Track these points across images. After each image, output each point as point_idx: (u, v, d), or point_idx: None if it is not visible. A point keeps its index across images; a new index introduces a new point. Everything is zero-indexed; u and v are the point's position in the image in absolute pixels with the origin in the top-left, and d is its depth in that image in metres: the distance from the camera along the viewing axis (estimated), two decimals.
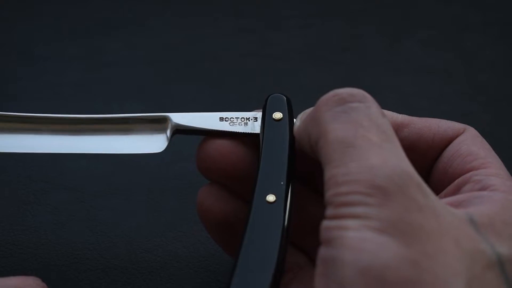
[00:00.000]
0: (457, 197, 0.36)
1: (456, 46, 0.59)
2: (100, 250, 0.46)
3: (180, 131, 0.41)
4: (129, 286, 0.45)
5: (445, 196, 0.37)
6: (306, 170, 0.39)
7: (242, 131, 0.41)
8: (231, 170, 0.40)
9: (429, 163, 0.39)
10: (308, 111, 0.38)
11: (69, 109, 0.54)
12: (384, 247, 0.30)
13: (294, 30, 0.60)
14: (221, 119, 0.41)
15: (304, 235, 0.39)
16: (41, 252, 0.46)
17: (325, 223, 0.32)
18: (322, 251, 0.32)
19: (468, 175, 0.37)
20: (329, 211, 0.32)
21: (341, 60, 0.58)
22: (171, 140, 0.41)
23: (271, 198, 0.37)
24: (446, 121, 0.39)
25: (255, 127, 0.41)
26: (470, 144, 0.38)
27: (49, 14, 0.60)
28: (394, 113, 0.39)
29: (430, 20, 0.61)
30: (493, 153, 0.38)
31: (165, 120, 0.41)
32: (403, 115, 0.40)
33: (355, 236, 0.31)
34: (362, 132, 0.33)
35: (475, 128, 0.39)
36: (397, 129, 0.39)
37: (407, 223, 0.31)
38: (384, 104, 0.56)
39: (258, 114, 0.41)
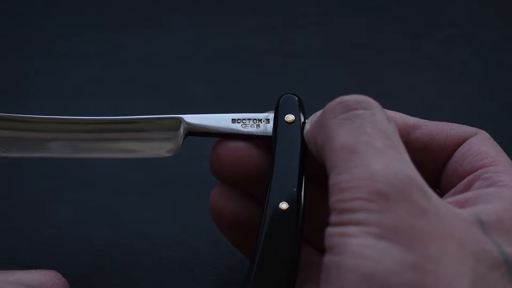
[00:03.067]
0: (465, 195, 0.35)
1: (474, 45, 0.59)
2: (119, 247, 0.46)
3: (193, 133, 0.41)
4: (149, 282, 0.45)
5: (454, 194, 0.37)
6: (322, 172, 0.40)
7: (254, 133, 0.41)
8: (244, 172, 0.40)
9: (441, 164, 0.39)
10: (318, 113, 0.38)
11: (86, 105, 0.54)
12: (385, 253, 0.30)
13: (311, 28, 0.60)
14: (234, 120, 0.41)
15: (320, 235, 0.39)
16: (61, 248, 0.46)
17: (329, 230, 0.32)
18: (326, 258, 0.32)
19: (477, 172, 0.36)
20: (333, 218, 0.32)
21: (359, 58, 0.58)
22: (183, 142, 0.41)
23: (284, 206, 0.37)
24: (458, 124, 0.39)
25: (267, 129, 0.40)
26: (481, 144, 0.38)
27: (67, 10, 0.60)
28: (407, 115, 0.39)
29: (448, 19, 0.60)
30: (503, 153, 0.38)
31: (178, 121, 0.41)
32: (416, 118, 0.40)
33: (357, 243, 0.31)
34: (365, 139, 0.33)
35: (493, 127, 0.39)
36: (409, 130, 0.39)
37: (408, 228, 0.31)
38: (403, 102, 0.56)
39: (270, 116, 0.41)
